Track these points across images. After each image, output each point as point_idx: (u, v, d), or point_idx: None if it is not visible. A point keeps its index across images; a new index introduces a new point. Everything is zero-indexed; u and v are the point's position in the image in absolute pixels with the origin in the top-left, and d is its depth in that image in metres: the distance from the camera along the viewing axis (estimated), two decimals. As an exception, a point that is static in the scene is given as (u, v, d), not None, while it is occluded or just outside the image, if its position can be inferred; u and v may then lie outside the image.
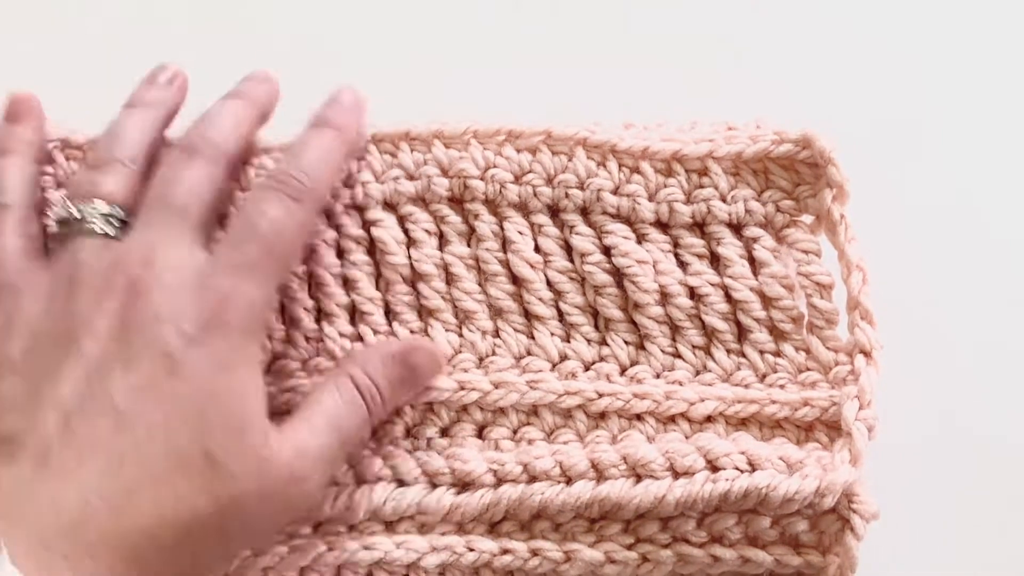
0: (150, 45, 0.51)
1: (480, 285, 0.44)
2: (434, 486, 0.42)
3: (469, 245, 0.44)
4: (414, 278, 0.44)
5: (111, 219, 0.39)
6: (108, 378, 0.36)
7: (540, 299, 0.44)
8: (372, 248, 0.44)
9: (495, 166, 0.44)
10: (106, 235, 0.39)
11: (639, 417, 0.43)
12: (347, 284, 0.44)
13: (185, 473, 0.35)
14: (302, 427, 0.39)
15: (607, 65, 0.53)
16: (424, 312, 0.44)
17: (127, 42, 0.55)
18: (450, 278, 0.44)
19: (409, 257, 0.44)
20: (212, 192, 0.40)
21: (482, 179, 0.44)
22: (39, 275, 0.39)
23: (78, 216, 0.39)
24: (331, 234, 0.44)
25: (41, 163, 0.43)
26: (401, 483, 0.42)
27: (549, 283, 0.44)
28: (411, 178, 0.44)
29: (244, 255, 0.38)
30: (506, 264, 0.44)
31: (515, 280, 0.44)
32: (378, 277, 0.44)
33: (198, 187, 0.39)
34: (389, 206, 0.44)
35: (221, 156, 0.41)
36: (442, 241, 0.44)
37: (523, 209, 0.44)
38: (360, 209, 0.44)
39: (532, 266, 0.44)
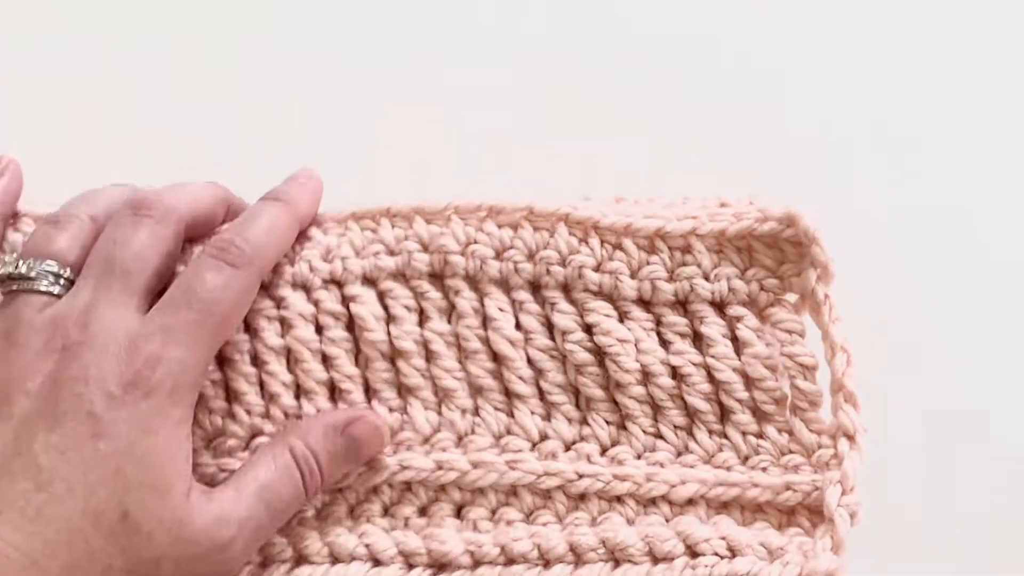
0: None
1: (460, 363, 0.43)
2: (410, 567, 0.41)
3: (449, 322, 0.44)
4: (393, 355, 0.43)
5: (59, 278, 0.40)
6: (33, 436, 0.37)
7: (520, 377, 0.43)
8: (351, 324, 0.44)
9: (476, 242, 0.43)
10: (50, 293, 0.39)
11: (619, 499, 0.42)
12: (326, 360, 0.43)
13: (101, 531, 0.36)
14: (228, 493, 0.39)
15: (601, 135, 0.53)
16: (404, 390, 0.43)
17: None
18: (429, 355, 0.43)
19: (388, 334, 0.43)
20: (159, 256, 0.40)
21: (463, 255, 0.43)
22: None
23: (26, 273, 0.39)
24: (309, 309, 0.43)
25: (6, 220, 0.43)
26: (377, 562, 0.42)
27: (530, 361, 0.43)
28: (391, 253, 0.44)
29: (177, 319, 0.38)
30: (486, 341, 0.43)
31: (495, 358, 0.43)
32: (357, 353, 0.44)
33: (139, 246, 0.40)
34: (369, 281, 0.44)
35: (172, 216, 0.41)
36: (422, 317, 0.44)
37: (504, 285, 0.44)
38: (339, 284, 0.44)
39: (513, 344, 0.43)
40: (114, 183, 0.43)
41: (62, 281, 0.40)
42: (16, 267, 0.40)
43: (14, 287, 0.39)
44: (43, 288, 0.39)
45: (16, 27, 0.54)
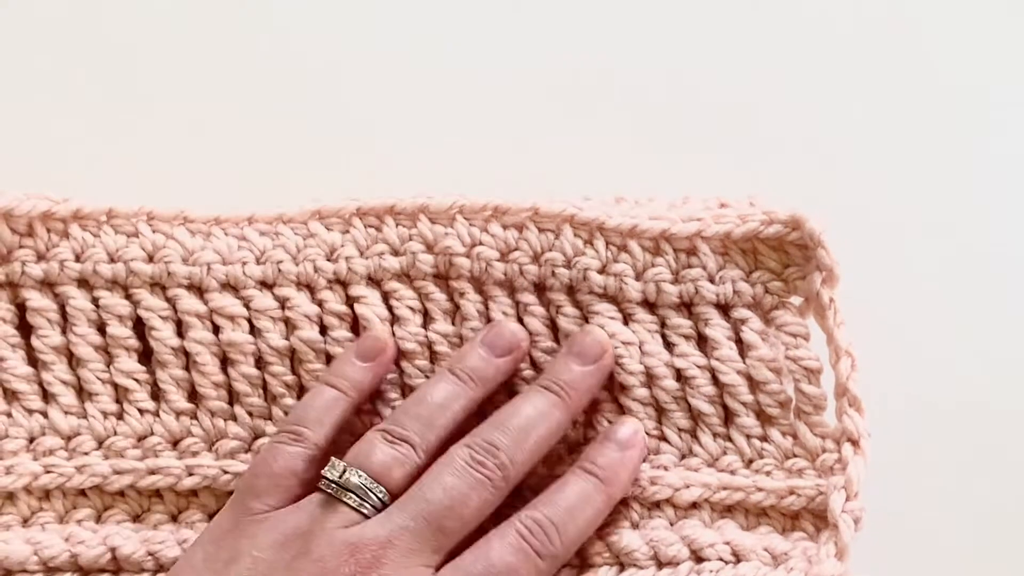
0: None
1: None
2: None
3: (454, 323, 0.43)
4: (398, 356, 0.43)
5: (374, 500, 0.39)
6: None
7: (523, 379, 0.43)
8: (355, 325, 0.43)
9: (481, 243, 0.43)
10: (360, 512, 0.38)
11: (623, 502, 0.42)
12: (330, 361, 0.43)
13: None
14: None
15: (601, 134, 0.53)
16: (408, 390, 0.43)
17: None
18: (433, 356, 0.43)
19: (393, 334, 0.43)
20: (478, 516, 0.39)
21: (467, 256, 0.43)
22: (285, 512, 0.39)
23: (349, 485, 0.39)
24: (314, 310, 0.43)
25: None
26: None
27: (534, 363, 0.43)
28: (395, 253, 0.43)
29: None
30: None
31: None
32: None
33: (467, 510, 0.39)
34: (373, 281, 0.44)
35: (508, 483, 0.40)
36: (426, 319, 0.43)
37: (508, 287, 0.43)
38: (344, 284, 0.43)
39: None
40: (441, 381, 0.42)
41: (377, 504, 0.39)
42: (343, 475, 0.39)
43: (331, 490, 0.39)
44: (354, 505, 0.38)
45: (16, 27, 0.53)
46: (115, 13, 0.53)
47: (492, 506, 0.39)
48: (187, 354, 0.43)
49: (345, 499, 0.38)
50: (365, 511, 0.38)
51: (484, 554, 0.38)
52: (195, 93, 0.53)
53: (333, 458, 0.39)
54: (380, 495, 0.39)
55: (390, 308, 0.43)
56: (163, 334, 0.43)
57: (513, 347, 0.42)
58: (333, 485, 0.39)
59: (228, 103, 0.53)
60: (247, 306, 0.43)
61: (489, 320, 0.43)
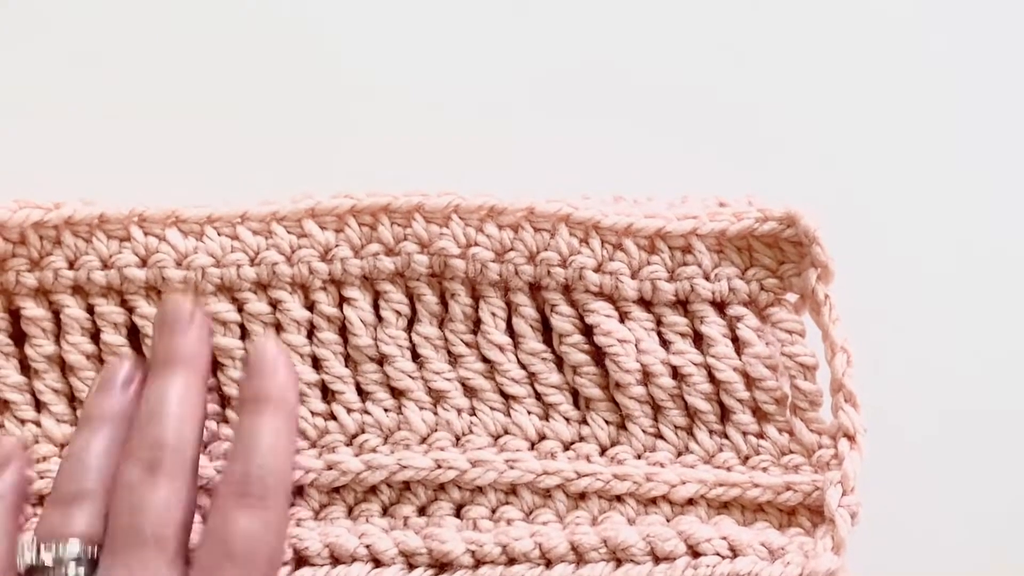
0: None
1: (451, 364, 0.43)
2: (411, 567, 0.41)
3: (441, 325, 0.43)
4: (381, 358, 0.43)
5: (82, 563, 0.37)
6: None
7: (513, 379, 0.43)
8: (343, 327, 0.43)
9: (476, 243, 0.43)
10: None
11: (620, 498, 0.43)
12: (316, 363, 0.43)
13: None
14: None
15: (600, 133, 0.53)
16: (396, 391, 0.43)
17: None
18: (417, 358, 0.43)
19: (375, 337, 0.43)
20: (184, 511, 0.38)
21: (462, 258, 0.43)
22: None
23: (49, 564, 0.37)
24: (304, 315, 0.43)
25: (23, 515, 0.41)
26: (377, 563, 0.41)
27: (521, 364, 0.43)
28: (390, 253, 0.43)
29: None
30: (475, 346, 0.43)
31: (486, 360, 0.43)
32: (348, 356, 0.43)
33: (166, 511, 0.37)
34: (368, 281, 0.43)
35: (185, 465, 0.39)
36: (412, 320, 0.43)
37: (502, 287, 0.43)
38: (338, 284, 0.43)
39: (501, 349, 0.43)
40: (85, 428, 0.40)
41: (85, 564, 0.37)
42: (37, 557, 0.37)
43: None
44: (71, 574, 0.37)
45: (14, 28, 0.53)
46: (104, 8, 0.53)
47: (180, 491, 0.38)
48: None
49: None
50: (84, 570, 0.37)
51: (217, 536, 0.37)
52: (187, 87, 0.52)
53: (24, 551, 0.37)
54: (89, 554, 0.37)
55: (377, 310, 0.43)
56: None
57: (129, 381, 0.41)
58: (39, 572, 0.37)
59: (221, 97, 0.52)
60: (240, 309, 0.43)
61: (478, 322, 0.43)
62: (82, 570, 0.37)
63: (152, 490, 0.37)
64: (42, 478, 0.42)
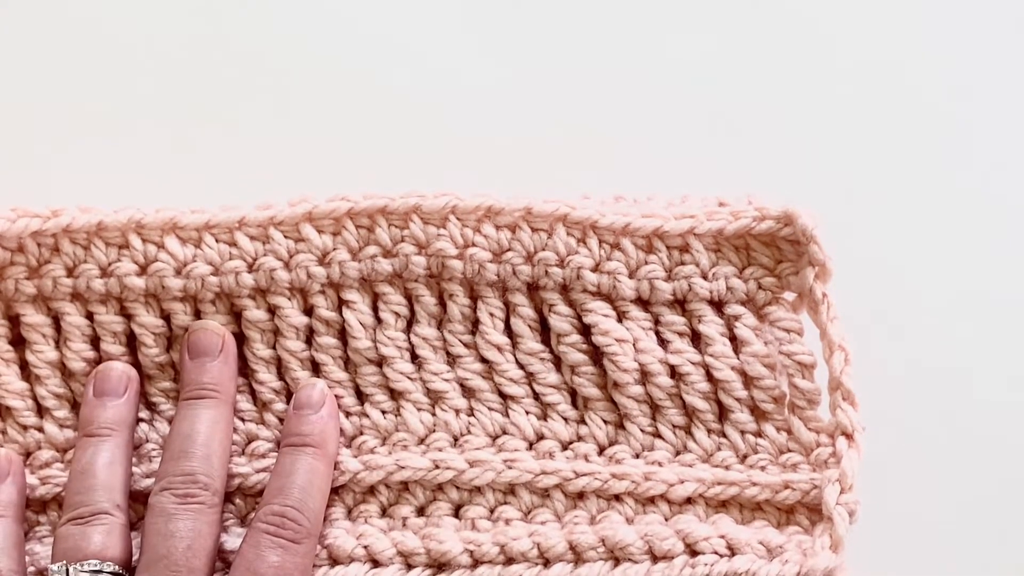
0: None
1: (449, 365, 0.43)
2: (409, 567, 0.42)
3: (440, 326, 0.43)
4: (380, 360, 0.43)
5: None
6: None
7: (511, 379, 0.43)
8: (343, 329, 0.43)
9: (474, 244, 0.43)
10: None
11: (618, 498, 0.43)
12: (316, 367, 0.43)
13: None
14: None
15: (600, 134, 0.53)
16: (395, 393, 0.43)
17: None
18: (415, 359, 0.43)
19: (374, 340, 0.43)
20: (214, 540, 0.40)
21: (460, 259, 0.43)
22: None
23: None
24: (302, 320, 0.43)
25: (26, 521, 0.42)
26: (376, 563, 0.42)
27: (519, 364, 0.43)
28: (388, 255, 0.43)
29: None
30: (473, 346, 0.43)
31: (484, 360, 0.43)
32: (348, 359, 0.44)
33: (197, 540, 0.39)
34: (366, 283, 0.44)
35: (216, 496, 0.41)
36: (411, 321, 0.43)
37: (500, 288, 0.43)
38: (336, 287, 0.43)
39: (499, 349, 0.43)
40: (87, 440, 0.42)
41: None
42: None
43: None
44: None
45: (14, 30, 0.53)
46: (100, 11, 0.53)
47: (211, 523, 0.40)
48: (175, 367, 0.43)
49: None
50: None
51: (248, 568, 0.39)
52: (182, 91, 0.52)
53: (52, 570, 0.39)
54: (109, 569, 0.39)
55: (376, 312, 0.43)
56: (153, 351, 0.43)
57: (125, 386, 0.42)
58: None
59: (218, 100, 0.52)
60: (238, 315, 0.43)
61: (476, 322, 0.43)
62: None
63: (184, 521, 0.39)
64: (44, 484, 0.42)
